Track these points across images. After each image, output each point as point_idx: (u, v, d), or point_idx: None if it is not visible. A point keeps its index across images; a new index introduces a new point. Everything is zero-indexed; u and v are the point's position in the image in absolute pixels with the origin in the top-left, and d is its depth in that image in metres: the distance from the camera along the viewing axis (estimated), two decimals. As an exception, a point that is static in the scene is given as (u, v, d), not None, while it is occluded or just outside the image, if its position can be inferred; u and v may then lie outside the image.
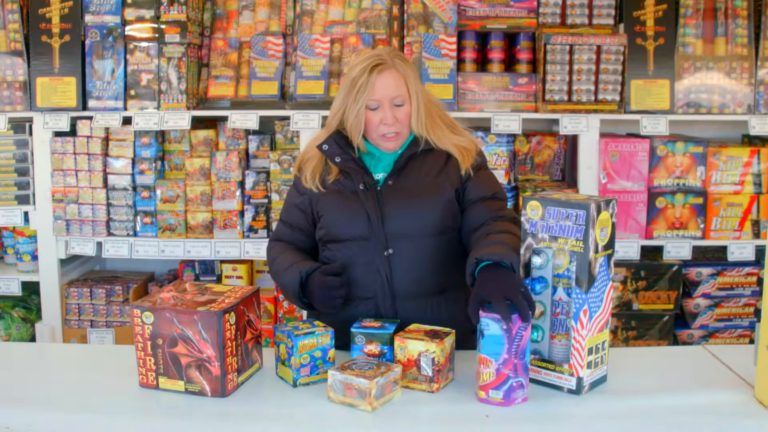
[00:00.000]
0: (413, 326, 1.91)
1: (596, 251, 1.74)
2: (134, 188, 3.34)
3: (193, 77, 3.32)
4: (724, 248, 3.31)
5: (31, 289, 3.51)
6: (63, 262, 3.42)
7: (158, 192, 3.32)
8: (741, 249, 3.27)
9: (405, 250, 2.07)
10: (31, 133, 3.34)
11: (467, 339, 2.00)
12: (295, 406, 1.73)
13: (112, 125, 3.26)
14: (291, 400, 1.77)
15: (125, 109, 3.28)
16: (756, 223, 3.27)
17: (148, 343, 1.78)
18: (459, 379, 1.86)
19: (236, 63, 3.35)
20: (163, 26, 3.24)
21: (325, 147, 2.14)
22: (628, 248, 3.26)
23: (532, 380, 1.82)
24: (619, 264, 3.24)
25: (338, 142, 2.13)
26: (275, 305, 3.41)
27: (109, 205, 3.33)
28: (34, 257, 3.44)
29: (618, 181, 3.25)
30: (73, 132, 3.34)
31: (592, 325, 1.75)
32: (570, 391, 1.78)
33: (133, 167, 3.33)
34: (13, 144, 3.35)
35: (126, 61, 3.28)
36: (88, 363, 2.02)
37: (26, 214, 3.36)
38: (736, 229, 3.27)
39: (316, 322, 1.91)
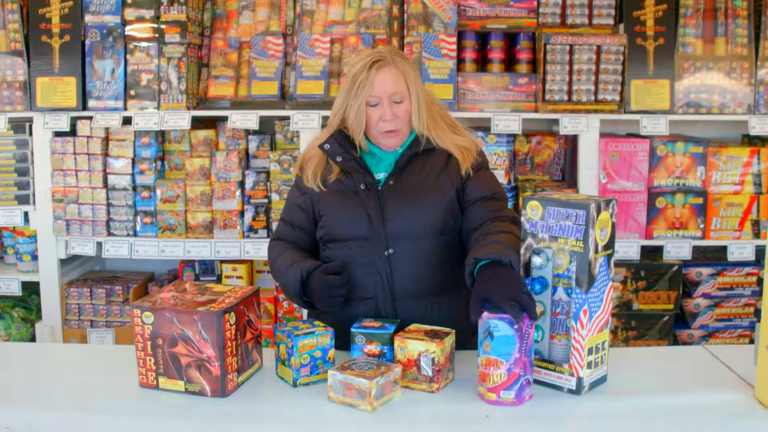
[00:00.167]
0: (413, 326, 1.91)
1: (596, 251, 1.74)
2: (134, 188, 3.34)
3: (193, 77, 3.32)
4: (724, 248, 3.31)
5: (31, 289, 3.51)
6: (63, 262, 3.42)
7: (158, 192, 3.32)
8: (741, 249, 3.27)
9: (405, 250, 2.07)
10: (31, 133, 3.34)
11: (467, 339, 2.01)
12: (295, 406, 1.73)
13: (112, 125, 3.26)
14: (291, 400, 1.77)
15: (125, 109, 3.28)
16: (756, 223, 3.27)
17: (148, 343, 1.78)
18: (459, 379, 1.86)
19: (236, 63, 3.35)
20: (163, 26, 3.24)
21: (327, 146, 2.14)
22: (628, 248, 3.26)
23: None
24: (619, 264, 3.24)
25: (340, 141, 2.13)
26: (275, 305, 3.41)
27: (109, 205, 3.33)
28: (34, 257, 3.44)
29: (618, 181, 3.25)
30: (73, 132, 3.34)
31: (592, 325, 1.75)
32: (570, 391, 1.78)
33: (133, 167, 3.33)
34: (13, 144, 3.36)
35: (126, 61, 3.28)
36: (88, 363, 2.02)
37: (26, 214, 3.36)
38: (736, 229, 3.27)
39: (316, 322, 1.91)
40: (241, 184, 3.31)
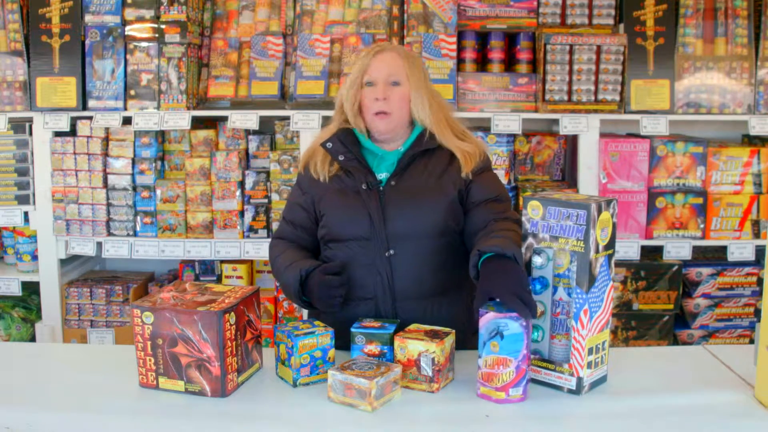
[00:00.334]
0: (413, 326, 1.90)
1: (597, 251, 1.74)
2: (134, 188, 3.34)
3: (193, 77, 3.32)
4: (724, 248, 3.31)
5: (31, 289, 3.51)
6: (63, 262, 3.42)
7: (158, 192, 3.32)
8: (741, 249, 3.27)
9: (406, 251, 2.07)
10: (31, 133, 3.34)
11: (467, 339, 2.01)
12: (295, 406, 1.73)
13: (112, 125, 3.26)
14: (291, 400, 1.77)
15: (125, 109, 3.28)
16: (756, 223, 3.27)
17: (148, 343, 1.78)
18: (459, 379, 1.85)
19: (236, 63, 3.35)
20: (163, 26, 3.24)
21: (329, 145, 2.14)
22: (628, 248, 3.26)
23: (533, 380, 1.82)
24: (619, 264, 3.24)
25: (342, 140, 2.13)
26: (275, 305, 3.41)
27: (109, 205, 3.33)
28: (34, 257, 3.44)
29: (618, 181, 3.25)
30: (73, 132, 3.34)
31: (592, 325, 1.75)
32: (570, 391, 1.78)
33: (133, 167, 3.33)
34: (13, 144, 3.36)
35: (126, 61, 3.28)
36: (88, 363, 2.02)
37: (26, 214, 3.36)
38: (736, 229, 3.27)
39: (316, 322, 1.91)
40: (241, 184, 3.31)
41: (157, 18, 3.25)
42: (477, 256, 1.85)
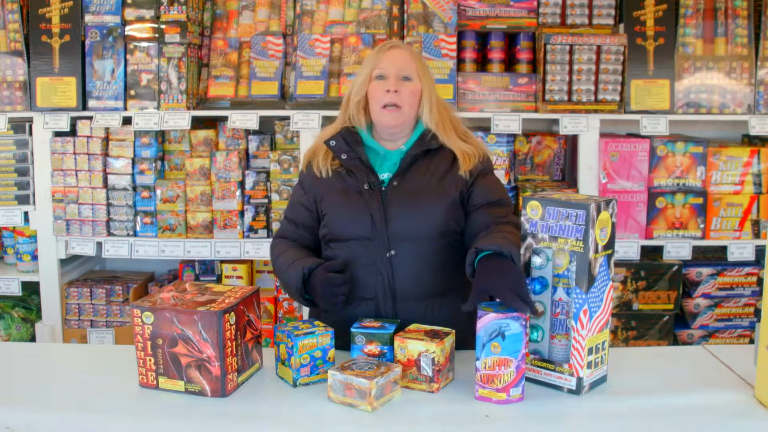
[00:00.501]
0: (413, 326, 1.91)
1: (596, 251, 1.74)
2: (134, 188, 3.34)
3: (193, 77, 3.32)
4: (724, 248, 3.31)
5: (31, 289, 3.51)
6: (63, 262, 3.42)
7: (158, 192, 3.32)
8: (741, 249, 3.27)
9: (407, 251, 2.07)
10: (31, 133, 3.34)
11: (467, 339, 2.00)
12: (295, 406, 1.73)
13: (112, 125, 3.26)
14: (291, 400, 1.77)
15: (125, 109, 3.28)
16: (756, 223, 3.27)
17: (148, 343, 1.78)
18: (459, 379, 1.85)
19: (236, 63, 3.35)
20: (163, 26, 3.24)
21: (332, 143, 2.15)
22: (628, 248, 3.26)
23: (533, 380, 1.82)
24: (619, 264, 3.24)
25: (346, 138, 2.14)
26: (275, 305, 3.41)
27: (109, 205, 3.33)
28: (34, 257, 3.44)
29: (618, 181, 3.25)
30: (73, 132, 3.34)
31: (592, 325, 1.75)
32: (570, 391, 1.78)
33: (133, 167, 3.33)
34: (13, 144, 3.35)
35: (126, 61, 3.28)
36: (88, 363, 2.02)
37: (26, 214, 3.36)
38: (736, 229, 3.27)
39: (316, 322, 1.91)
40: (241, 184, 3.31)
41: (157, 18, 3.25)
42: (474, 254, 1.85)
